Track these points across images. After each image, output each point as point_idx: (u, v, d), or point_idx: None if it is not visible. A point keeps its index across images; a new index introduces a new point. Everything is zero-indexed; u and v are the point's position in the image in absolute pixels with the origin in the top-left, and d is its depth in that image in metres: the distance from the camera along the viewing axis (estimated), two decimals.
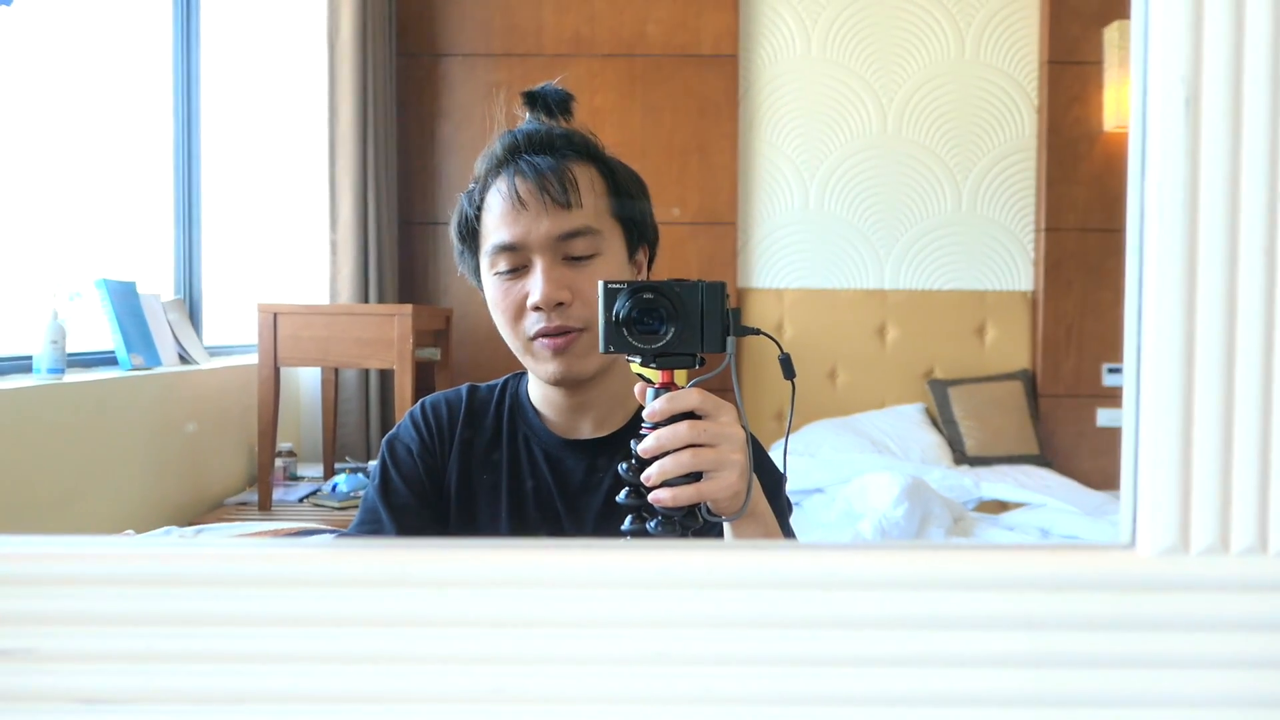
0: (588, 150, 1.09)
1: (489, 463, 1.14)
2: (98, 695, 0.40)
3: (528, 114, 1.13)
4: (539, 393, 1.15)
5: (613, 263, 1.08)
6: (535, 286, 1.04)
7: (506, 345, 1.11)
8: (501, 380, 1.20)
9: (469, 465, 1.14)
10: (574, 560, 0.42)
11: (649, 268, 1.16)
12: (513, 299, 1.06)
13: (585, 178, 1.07)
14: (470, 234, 1.11)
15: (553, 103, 1.11)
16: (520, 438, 1.15)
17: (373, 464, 1.19)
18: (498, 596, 0.41)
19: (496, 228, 1.06)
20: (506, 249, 1.05)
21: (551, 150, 1.07)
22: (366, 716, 0.41)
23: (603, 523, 1.09)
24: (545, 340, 1.05)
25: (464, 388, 1.19)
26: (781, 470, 1.11)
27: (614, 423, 1.14)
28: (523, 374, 1.19)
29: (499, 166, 1.08)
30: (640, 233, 1.13)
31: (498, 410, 1.17)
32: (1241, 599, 0.40)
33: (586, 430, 1.14)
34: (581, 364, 1.06)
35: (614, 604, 0.42)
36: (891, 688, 0.41)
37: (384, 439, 1.17)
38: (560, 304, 1.03)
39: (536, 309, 1.04)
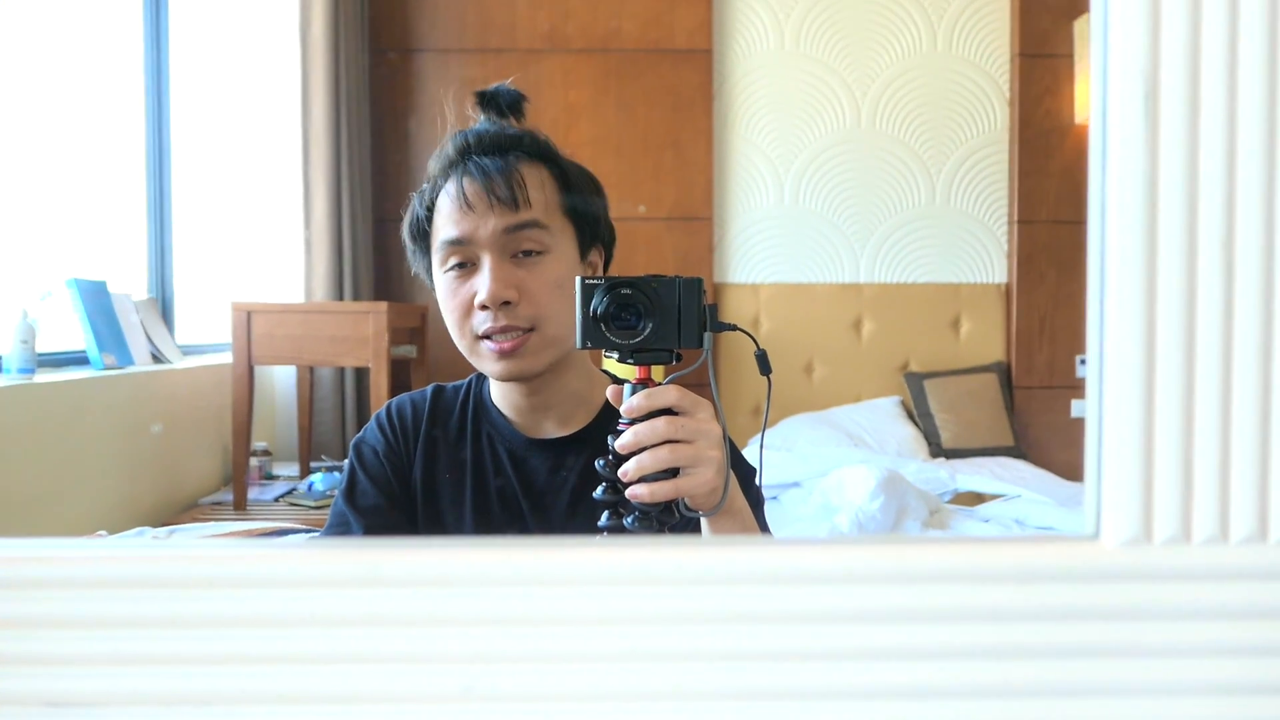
0: (538, 150, 1.09)
1: (454, 462, 1.14)
2: (64, 699, 0.39)
3: (481, 114, 1.13)
4: (499, 392, 1.14)
5: (563, 261, 1.08)
6: (482, 284, 1.04)
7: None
8: (467, 380, 1.19)
9: (434, 465, 1.14)
10: (548, 558, 0.42)
11: (605, 268, 1.16)
12: (461, 298, 1.06)
13: (535, 177, 1.07)
14: (421, 234, 1.11)
15: (505, 103, 1.12)
16: (485, 437, 1.14)
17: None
18: (470, 595, 0.41)
19: (444, 225, 1.07)
20: (454, 244, 1.05)
21: (501, 151, 1.08)
22: (337, 716, 0.40)
23: (569, 522, 1.09)
24: (491, 343, 1.05)
25: (430, 388, 1.19)
26: (753, 464, 1.12)
27: (577, 421, 1.13)
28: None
29: (449, 167, 1.08)
30: (593, 232, 1.12)
31: (462, 410, 1.17)
32: (1204, 588, 0.40)
33: (550, 429, 1.13)
34: (529, 363, 1.06)
35: (589, 601, 0.42)
36: (865, 681, 0.42)
37: (352, 442, 1.17)
38: (507, 303, 1.03)
39: (484, 307, 1.04)
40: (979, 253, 3.92)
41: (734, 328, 0.91)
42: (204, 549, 0.41)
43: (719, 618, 0.42)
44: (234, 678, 0.40)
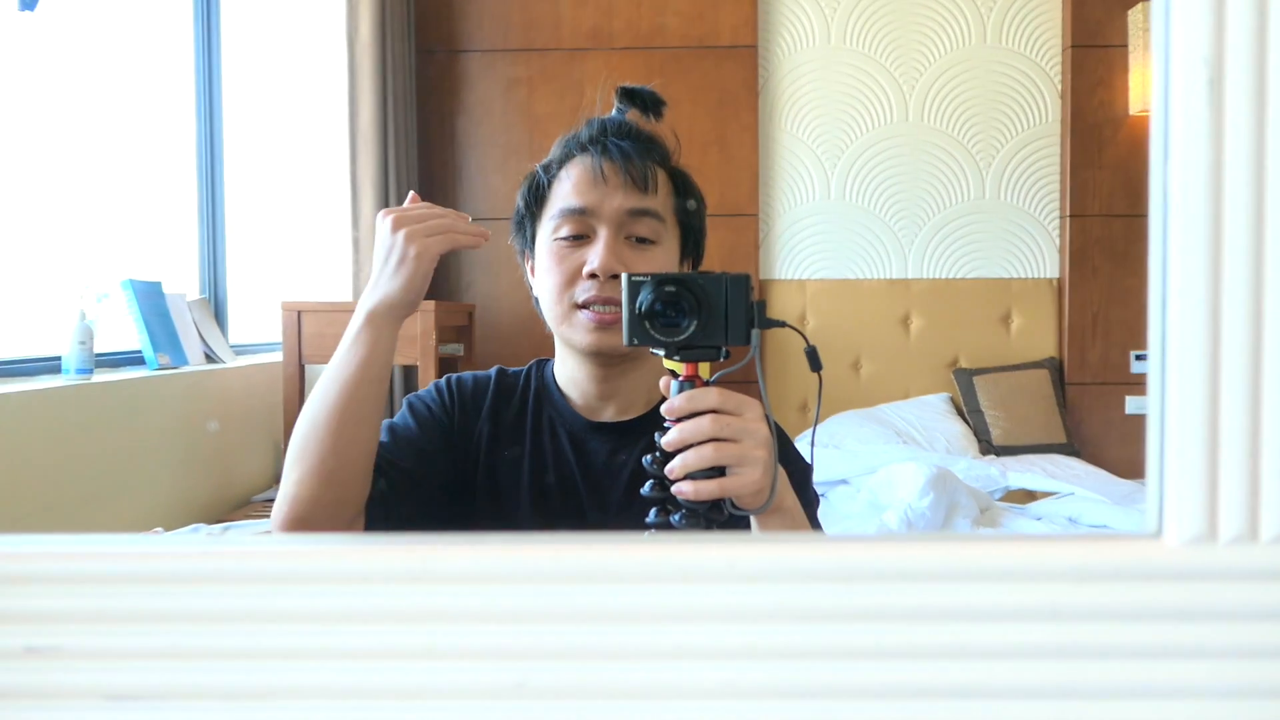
0: (667, 153, 1.16)
1: (514, 442, 1.16)
2: (122, 691, 0.40)
3: (616, 107, 1.18)
4: (566, 374, 1.16)
5: (668, 257, 1.12)
6: (596, 254, 1.07)
7: (538, 330, 1.15)
8: (528, 365, 1.22)
9: (497, 441, 1.16)
10: (597, 554, 0.41)
11: None
12: (569, 264, 1.09)
13: (662, 175, 1.13)
14: (537, 199, 1.14)
15: (647, 101, 1.17)
16: (545, 419, 1.17)
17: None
18: (520, 591, 0.41)
19: (569, 194, 1.10)
20: (575, 213, 1.09)
21: (639, 140, 1.13)
22: (391, 712, 0.41)
23: (625, 508, 1.10)
24: (590, 312, 1.07)
25: (494, 369, 1.22)
26: (808, 461, 1.11)
27: (637, 408, 1.16)
28: (548, 359, 1.21)
29: (586, 144, 1.13)
30: (695, 242, 1.17)
31: (524, 391, 1.19)
32: (1271, 588, 0.39)
33: (609, 414, 1.15)
34: (618, 340, 1.08)
35: (637, 598, 0.42)
36: (916, 680, 0.41)
37: (405, 398, 1.20)
38: (615, 276, 1.05)
39: (592, 276, 1.06)
40: (1030, 247, 3.86)
41: (782, 324, 0.91)
42: (256, 545, 0.42)
43: (768, 615, 0.42)
44: (288, 672, 0.41)
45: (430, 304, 3.01)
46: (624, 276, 0.86)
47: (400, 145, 3.60)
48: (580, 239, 1.09)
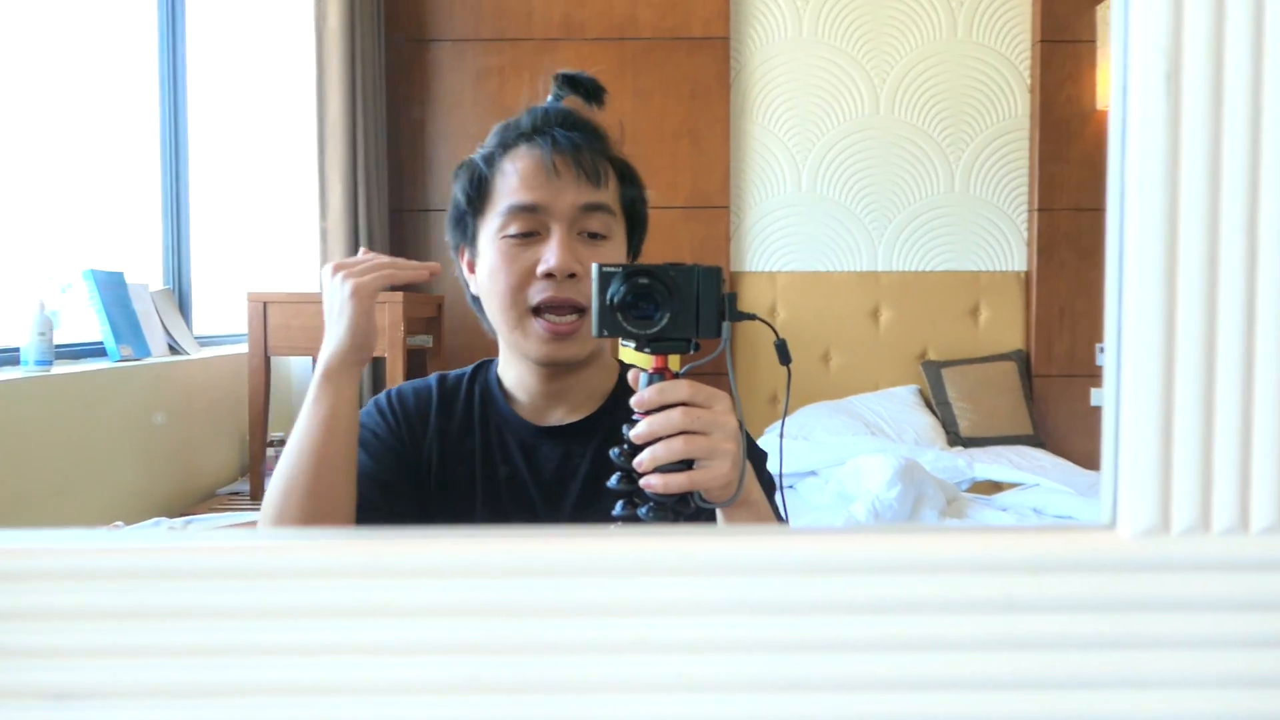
0: (608, 143, 1.11)
1: (463, 451, 1.12)
2: (69, 691, 0.39)
3: (553, 94, 1.13)
4: (513, 376, 1.12)
5: (618, 251, 1.09)
6: (551, 253, 1.02)
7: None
8: (471, 367, 1.18)
9: (445, 457, 1.12)
10: (551, 548, 0.41)
11: None
12: (520, 264, 1.04)
13: (608, 166, 1.09)
14: (479, 195, 1.09)
15: (589, 89, 1.12)
16: (492, 426, 1.13)
17: None
18: (475, 586, 0.41)
19: (516, 190, 1.05)
20: (525, 210, 1.04)
21: (584, 130, 1.09)
22: (345, 708, 0.40)
23: (581, 510, 1.08)
24: (545, 323, 1.04)
25: (433, 377, 1.17)
26: (765, 449, 1.11)
27: (587, 407, 1.13)
28: (493, 361, 1.17)
29: (530, 134, 1.07)
30: (641, 234, 1.15)
31: (468, 398, 1.15)
32: (1223, 579, 0.39)
33: (558, 416, 1.12)
34: (575, 349, 1.06)
35: (600, 591, 0.41)
36: (878, 671, 0.41)
37: None
38: (573, 275, 1.03)
39: (548, 276, 1.02)
40: (998, 240, 3.89)
41: (753, 317, 0.90)
42: (208, 541, 0.41)
43: (733, 608, 0.41)
44: (240, 669, 0.40)
45: (399, 295, 2.98)
46: (595, 267, 0.85)
47: (369, 135, 3.57)
48: (530, 236, 1.05)
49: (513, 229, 1.05)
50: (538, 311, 1.04)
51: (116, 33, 3.05)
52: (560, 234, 1.03)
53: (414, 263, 1.02)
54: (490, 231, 1.07)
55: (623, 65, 3.82)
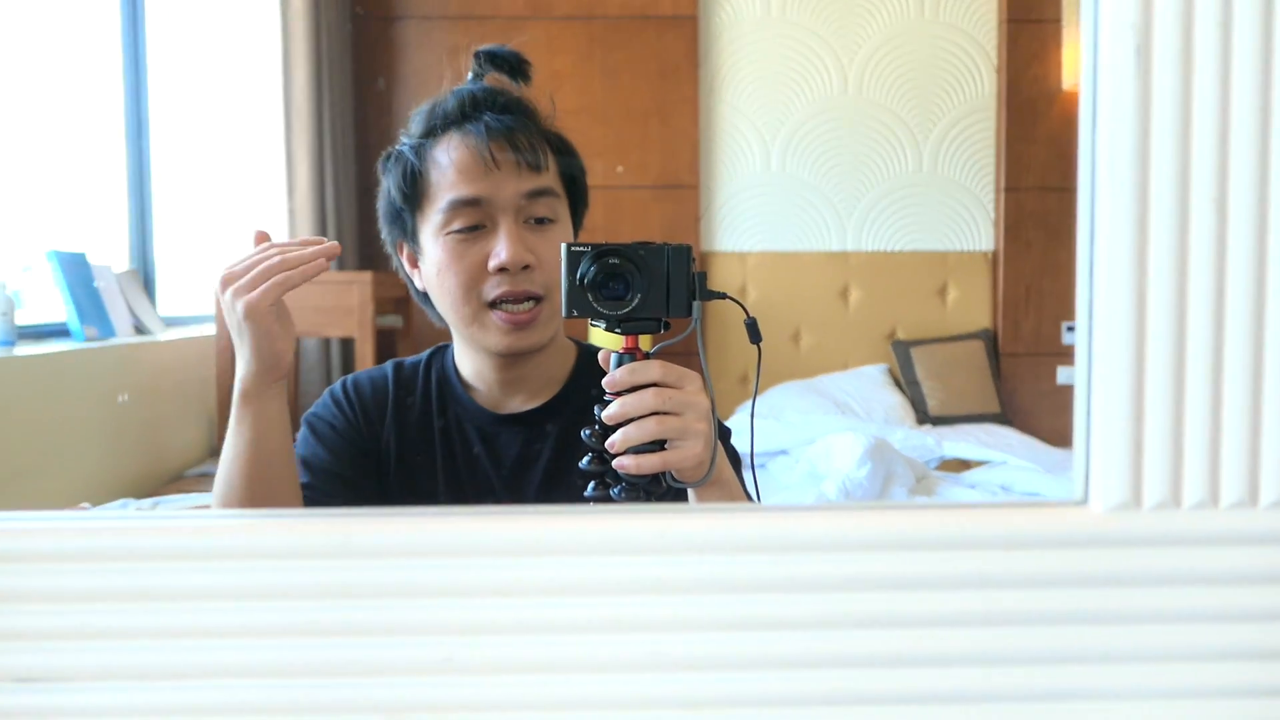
0: (541, 119, 1.07)
1: (422, 440, 1.10)
2: (33, 674, 0.39)
3: (474, 72, 1.09)
4: (470, 366, 1.10)
5: (566, 231, 1.06)
6: (501, 247, 0.99)
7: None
8: (427, 353, 1.15)
9: (404, 444, 1.10)
10: (521, 527, 0.41)
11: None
12: (470, 261, 1.01)
13: (544, 143, 1.05)
14: (415, 191, 1.04)
15: (512, 64, 1.08)
16: (451, 416, 1.10)
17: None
18: (445, 565, 0.40)
19: (455, 184, 1.01)
20: (467, 204, 1.00)
21: (515, 112, 1.04)
22: (313, 689, 0.40)
23: (544, 495, 1.07)
24: (503, 315, 1.01)
25: (389, 365, 1.14)
26: (728, 425, 1.11)
27: (545, 393, 1.11)
28: (448, 346, 1.14)
29: (459, 120, 1.03)
30: (583, 205, 1.11)
31: (425, 386, 1.12)
32: (1194, 553, 0.40)
33: (518, 403, 1.10)
34: (536, 337, 1.04)
35: (573, 570, 0.41)
36: (851, 648, 0.41)
37: (303, 417, 1.12)
38: (526, 266, 1.00)
39: (501, 270, 1.00)
40: (966, 220, 3.91)
41: (724, 296, 0.89)
42: (174, 522, 0.40)
43: (704, 586, 0.41)
44: (207, 651, 0.40)
45: (368, 275, 2.96)
46: (563, 247, 0.84)
47: (335, 113, 3.53)
48: (475, 229, 1.01)
49: (457, 224, 1.01)
50: (494, 305, 1.02)
51: (79, 10, 2.99)
52: (507, 225, 1.00)
53: (309, 250, 0.91)
54: (432, 228, 1.03)
55: (591, 44, 3.80)
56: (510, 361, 1.07)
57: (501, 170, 1.01)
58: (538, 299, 1.02)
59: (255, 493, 0.93)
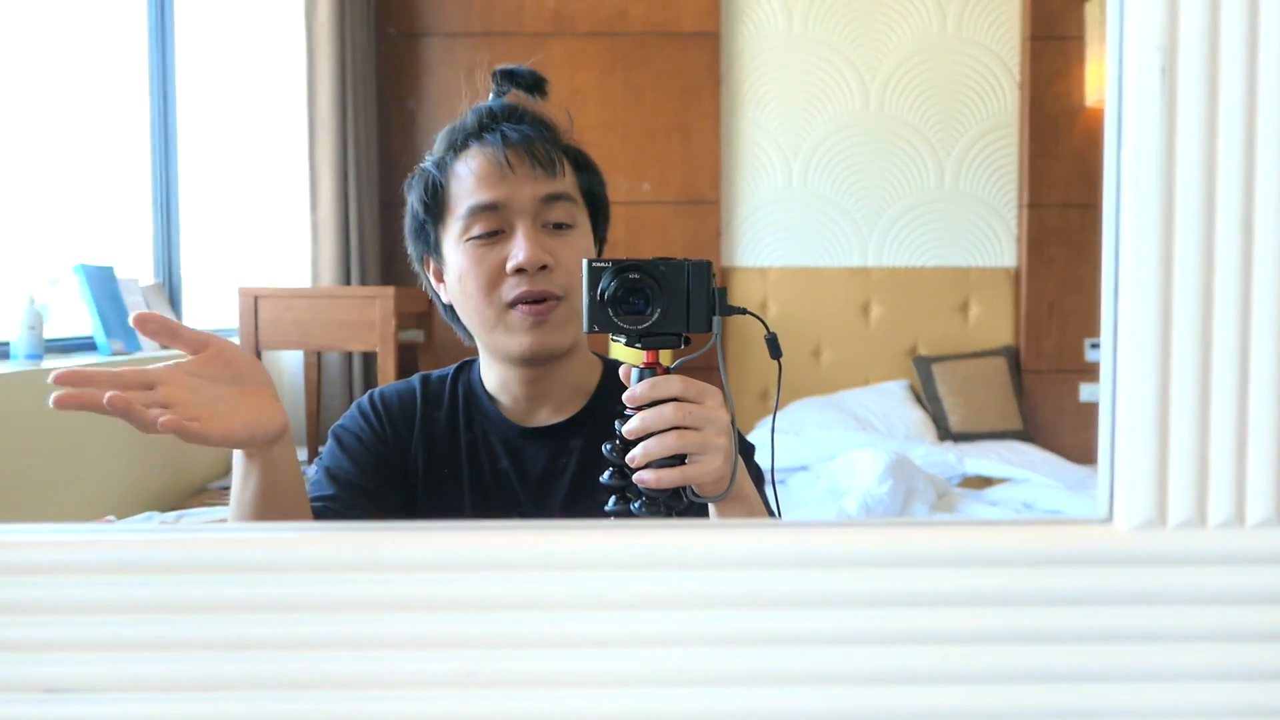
0: (559, 131, 1.09)
1: (449, 453, 1.10)
2: (62, 684, 0.39)
3: (494, 91, 1.12)
4: (496, 379, 1.11)
5: (585, 238, 1.08)
6: (519, 248, 1.01)
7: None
8: (454, 367, 1.16)
9: (431, 458, 1.10)
10: (552, 541, 0.41)
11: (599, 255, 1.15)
12: (489, 264, 1.02)
13: (561, 153, 1.07)
14: (436, 203, 1.07)
15: (529, 81, 1.11)
16: (478, 430, 1.11)
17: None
18: (471, 579, 0.40)
19: (474, 191, 1.03)
20: (486, 209, 1.02)
21: (532, 124, 1.07)
22: (338, 701, 0.40)
23: (568, 510, 1.07)
24: (524, 309, 1.02)
25: (416, 379, 1.15)
26: (751, 441, 1.11)
27: (572, 406, 1.11)
28: (474, 360, 1.15)
29: (478, 133, 1.06)
30: (605, 219, 1.13)
31: (452, 400, 1.13)
32: (1219, 572, 0.40)
33: (544, 417, 1.11)
34: (558, 336, 1.04)
35: (594, 585, 0.41)
36: (871, 664, 0.41)
37: (330, 429, 1.13)
38: (544, 267, 1.01)
39: (519, 271, 1.01)
40: (988, 236, 3.90)
41: (744, 311, 0.89)
42: (203, 534, 0.41)
43: (726, 602, 0.41)
44: (233, 662, 0.40)
45: (390, 290, 2.97)
46: (584, 263, 0.85)
47: (359, 129, 3.55)
48: (495, 235, 1.03)
49: (476, 230, 1.03)
50: (513, 305, 1.03)
51: (106, 27, 3.03)
52: (525, 227, 1.02)
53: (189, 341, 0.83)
54: (453, 236, 1.05)
55: (614, 60, 3.82)
56: (534, 372, 1.07)
57: (517, 175, 1.03)
58: (557, 299, 1.03)
59: None
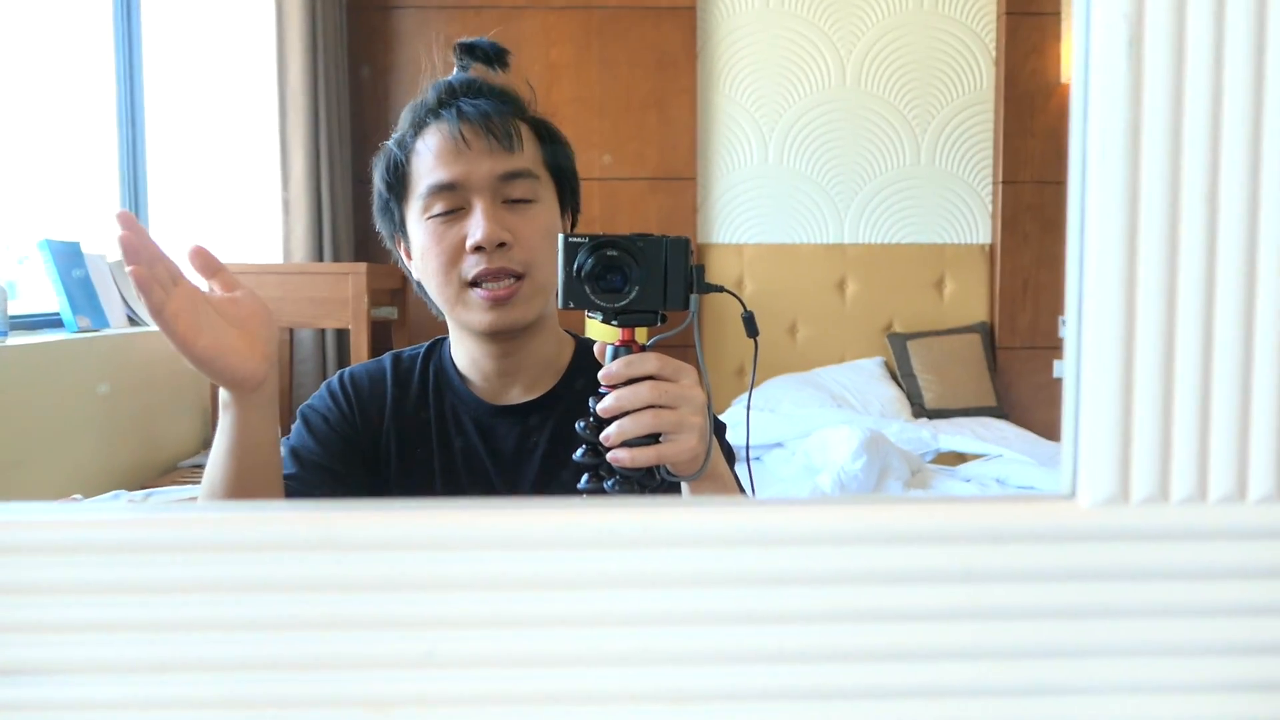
0: (523, 106, 1.08)
1: (419, 432, 1.10)
2: (22, 667, 0.38)
3: (457, 65, 1.11)
4: (465, 357, 1.11)
5: (549, 213, 1.07)
6: (476, 226, 1.01)
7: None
8: (424, 346, 1.16)
9: (402, 437, 1.10)
10: (507, 520, 0.41)
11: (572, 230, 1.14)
12: (449, 242, 1.02)
13: (525, 129, 1.06)
14: (399, 181, 1.07)
15: (490, 54, 1.10)
16: (447, 406, 1.11)
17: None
18: (430, 558, 0.40)
19: (433, 169, 1.03)
20: (444, 188, 1.02)
21: (491, 97, 1.06)
22: (294, 683, 0.40)
23: (540, 488, 1.07)
24: (483, 291, 1.02)
25: (386, 358, 1.15)
26: (722, 419, 1.11)
27: (544, 384, 1.11)
28: (445, 339, 1.15)
29: (436, 110, 1.05)
30: (573, 191, 1.12)
31: (423, 379, 1.13)
32: (1182, 548, 0.40)
33: (516, 395, 1.10)
34: (520, 312, 1.04)
35: (562, 563, 0.41)
36: (842, 642, 0.41)
37: (299, 409, 1.12)
38: (502, 244, 1.01)
39: (478, 249, 1.01)
40: (963, 213, 3.91)
41: (721, 289, 0.89)
42: (161, 513, 0.40)
43: (695, 580, 0.41)
44: (192, 644, 0.39)
45: (363, 267, 2.95)
46: (560, 238, 0.84)
47: (331, 104, 3.51)
48: (454, 212, 1.03)
49: (436, 208, 1.03)
50: (474, 284, 1.02)
51: (71, 1, 2.98)
52: (483, 205, 1.01)
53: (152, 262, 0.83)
54: (415, 214, 1.05)
55: (589, 35, 3.79)
56: (500, 347, 1.07)
57: (474, 151, 1.02)
58: (517, 276, 1.02)
59: (235, 497, 0.91)
